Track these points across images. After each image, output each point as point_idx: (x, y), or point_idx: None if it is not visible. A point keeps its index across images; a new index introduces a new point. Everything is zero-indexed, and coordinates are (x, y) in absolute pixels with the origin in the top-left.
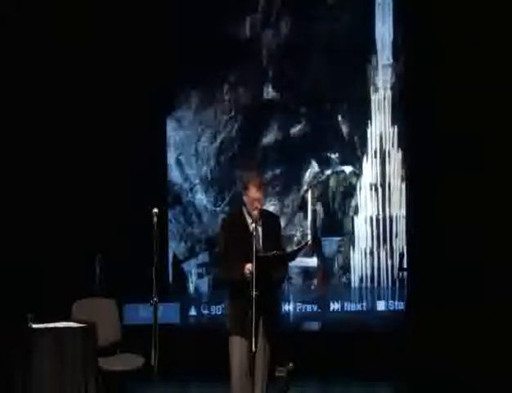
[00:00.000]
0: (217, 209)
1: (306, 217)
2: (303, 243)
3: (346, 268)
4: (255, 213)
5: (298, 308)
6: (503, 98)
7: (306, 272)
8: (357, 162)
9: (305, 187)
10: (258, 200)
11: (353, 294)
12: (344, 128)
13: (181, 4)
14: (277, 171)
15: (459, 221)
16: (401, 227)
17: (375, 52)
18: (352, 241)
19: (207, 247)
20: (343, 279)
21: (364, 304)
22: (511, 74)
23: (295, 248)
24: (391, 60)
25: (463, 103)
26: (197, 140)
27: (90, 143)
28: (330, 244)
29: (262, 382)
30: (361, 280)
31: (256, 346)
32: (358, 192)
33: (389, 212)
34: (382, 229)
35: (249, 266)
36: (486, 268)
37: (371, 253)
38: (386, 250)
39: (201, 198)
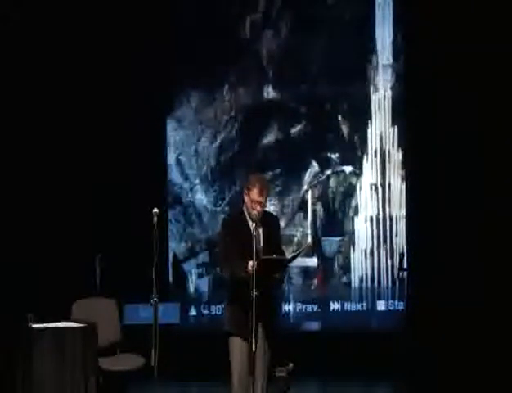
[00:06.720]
0: (217, 209)
1: (306, 217)
2: (304, 246)
3: (346, 268)
4: (255, 213)
5: (298, 308)
6: (503, 98)
7: (306, 272)
8: (357, 162)
9: (305, 187)
10: (258, 202)
11: (353, 294)
12: (344, 128)
13: (181, 4)
14: (277, 171)
15: (459, 221)
16: (401, 227)
17: (375, 52)
18: (352, 241)
19: (207, 247)
20: (343, 279)
21: (364, 304)
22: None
23: (296, 252)
24: (391, 61)
25: (463, 103)
26: (197, 140)
27: (90, 143)
28: (330, 244)
29: (262, 382)
30: (361, 280)
31: (256, 346)
32: (358, 192)
33: (389, 212)
34: (382, 229)
35: (251, 263)
36: (486, 268)
37: (371, 253)
38: (386, 250)
39: (201, 198)
